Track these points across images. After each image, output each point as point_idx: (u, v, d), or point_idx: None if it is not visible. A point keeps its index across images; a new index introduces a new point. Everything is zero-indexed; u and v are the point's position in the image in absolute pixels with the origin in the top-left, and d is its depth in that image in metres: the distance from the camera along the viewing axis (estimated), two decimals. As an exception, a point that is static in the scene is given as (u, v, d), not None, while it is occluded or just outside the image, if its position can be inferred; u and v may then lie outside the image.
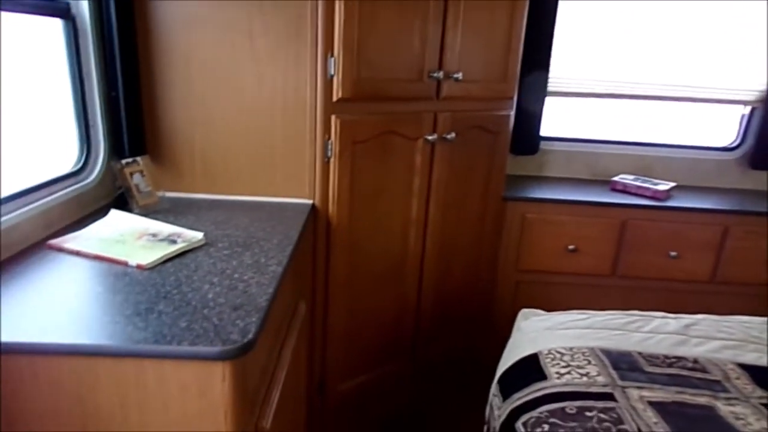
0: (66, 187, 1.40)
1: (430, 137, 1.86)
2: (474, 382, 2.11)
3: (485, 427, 1.41)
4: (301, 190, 1.69)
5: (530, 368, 1.31)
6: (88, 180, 1.48)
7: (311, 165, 1.66)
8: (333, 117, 1.62)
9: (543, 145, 2.63)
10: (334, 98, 1.61)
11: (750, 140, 2.61)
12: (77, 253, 1.19)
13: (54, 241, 1.22)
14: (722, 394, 1.20)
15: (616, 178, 2.51)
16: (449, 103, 1.90)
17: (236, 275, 1.13)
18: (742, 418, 1.13)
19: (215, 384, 0.89)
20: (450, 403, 2.36)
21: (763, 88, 2.51)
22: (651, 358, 1.32)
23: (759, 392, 1.23)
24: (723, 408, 1.15)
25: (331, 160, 1.66)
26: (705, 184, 2.66)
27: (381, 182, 1.81)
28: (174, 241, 1.25)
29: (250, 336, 0.90)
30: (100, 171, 1.51)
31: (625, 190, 2.47)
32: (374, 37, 1.62)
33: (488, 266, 2.33)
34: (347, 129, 1.65)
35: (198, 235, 1.29)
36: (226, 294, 1.04)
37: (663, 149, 2.68)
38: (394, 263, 1.95)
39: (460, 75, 1.85)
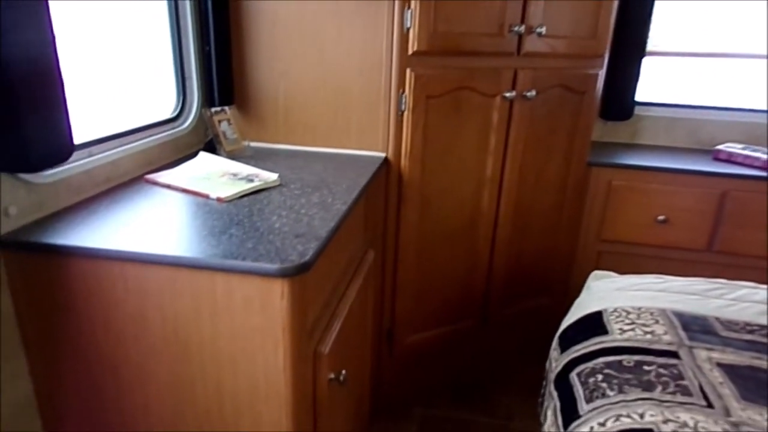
0: (164, 132, 1.55)
1: (508, 94, 1.82)
2: (542, 347, 2.08)
3: (543, 383, 1.39)
4: (375, 143, 1.73)
5: (592, 324, 1.27)
6: (183, 126, 1.63)
7: (385, 118, 1.70)
8: (408, 71, 1.64)
9: (638, 110, 2.47)
10: (410, 51, 1.62)
11: None
12: (168, 186, 1.32)
13: (149, 176, 1.37)
14: (808, 366, 1.10)
15: (720, 147, 2.30)
16: (531, 59, 1.84)
17: (303, 211, 1.20)
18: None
19: (275, 300, 0.97)
20: (516, 364, 2.34)
21: None
22: (729, 324, 1.23)
23: None
24: (806, 378, 1.05)
25: (405, 113, 1.68)
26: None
27: (455, 138, 1.81)
28: (251, 180, 1.36)
29: (307, 258, 0.96)
30: (193, 119, 1.66)
31: (729, 159, 2.26)
32: (452, -12, 1.61)
33: (568, 234, 2.26)
34: (422, 83, 1.66)
35: (273, 176, 1.39)
36: (291, 224, 1.12)
37: (780, 117, 2.41)
38: (466, 222, 1.95)
39: (543, 29, 1.78)
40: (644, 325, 1.21)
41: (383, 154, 1.73)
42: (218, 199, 1.24)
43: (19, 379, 1.09)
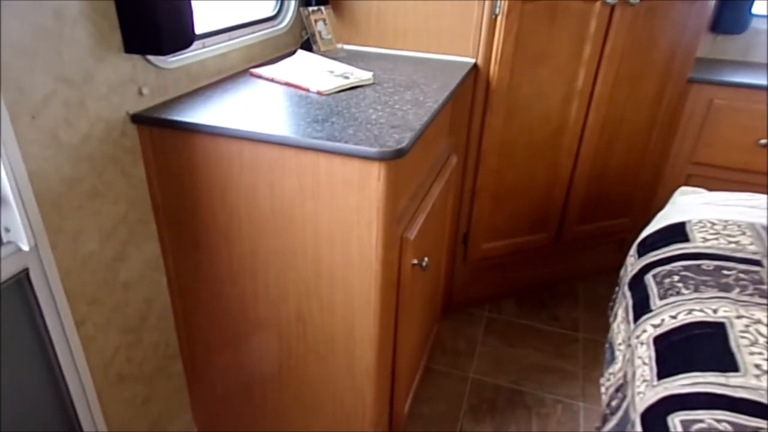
0: (264, 29, 1.63)
1: (610, 0, 1.73)
2: (616, 266, 2.10)
3: (615, 288, 1.44)
4: (465, 49, 1.73)
5: (674, 232, 1.27)
6: (282, 25, 1.70)
7: (477, 23, 1.68)
8: (505, -29, 1.59)
9: (754, 23, 2.26)
10: (509, -50, 1.57)
11: None
12: (271, 80, 1.42)
13: (254, 70, 1.47)
14: None
15: None
16: (639, -39, 1.72)
17: (397, 106, 1.26)
18: None
19: (372, 181, 1.06)
20: (586, 281, 2.38)
21: None
22: (824, 241, 1.20)
23: None
24: None
25: (498, 18, 1.65)
26: None
27: (548, 47, 1.77)
28: (347, 77, 1.42)
29: (404, 145, 1.04)
30: (291, 18, 1.72)
31: None
32: None
33: (658, 154, 2.18)
34: (519, -15, 1.62)
35: (368, 74, 1.45)
36: (387, 117, 1.18)
37: None
38: (550, 134, 1.94)
39: (657, -74, 1.65)
40: (729, 235, 1.21)
41: (473, 60, 1.73)
42: (318, 92, 1.32)
43: (150, 241, 1.27)
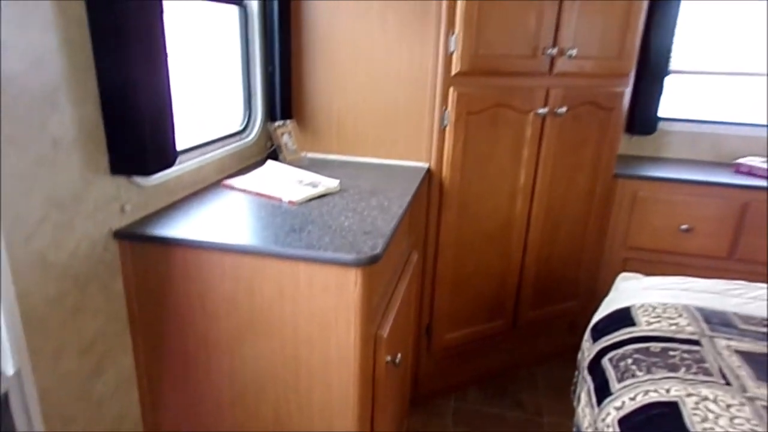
0: (233, 143, 1.75)
1: (541, 111, 1.98)
2: (570, 349, 2.21)
3: (575, 373, 1.53)
4: (419, 154, 1.91)
5: (622, 317, 1.41)
6: (249, 138, 1.83)
7: (429, 132, 1.87)
8: (451, 89, 1.81)
9: (661, 125, 2.61)
10: (453, 72, 1.79)
11: None
12: (243, 190, 1.51)
13: (227, 181, 1.56)
14: (820, 356, 1.22)
15: (741, 160, 2.43)
16: (562, 78, 2.00)
17: (365, 213, 1.38)
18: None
19: (349, 285, 1.14)
20: (544, 364, 2.47)
21: None
22: (747, 318, 1.36)
23: None
24: (818, 366, 1.18)
25: (447, 128, 1.85)
26: None
27: (491, 151, 1.97)
28: (315, 186, 1.54)
29: (378, 251, 1.14)
30: (257, 131, 1.85)
31: (750, 172, 2.38)
32: (492, 16, 1.78)
33: (595, 240, 2.39)
34: (463, 100, 1.83)
35: (335, 182, 1.57)
36: (358, 224, 1.29)
37: (801, 132, 2.52)
38: (500, 226, 2.11)
39: (574, 52, 1.94)
40: (669, 318, 1.35)
41: (427, 164, 1.90)
42: (290, 202, 1.42)
43: (125, 354, 1.27)
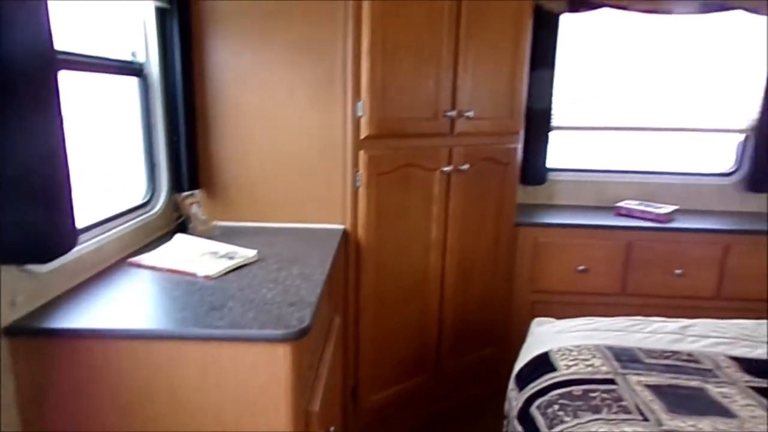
0: (136, 217, 1.64)
1: (446, 169, 2.09)
2: (493, 394, 2.26)
3: (504, 422, 1.56)
4: (334, 217, 1.91)
5: (542, 363, 1.47)
6: (154, 211, 1.73)
7: (342, 194, 1.90)
8: (361, 152, 1.86)
9: (551, 175, 2.84)
10: (362, 136, 1.85)
11: (746, 165, 2.80)
12: (153, 268, 1.41)
13: (133, 259, 1.45)
14: (712, 379, 1.36)
15: (620, 204, 2.70)
16: (462, 138, 2.13)
17: (287, 282, 1.34)
18: (728, 397, 1.28)
19: (278, 362, 1.09)
20: (470, 413, 2.49)
21: (756, 117, 2.71)
22: (650, 352, 1.48)
23: (747, 377, 1.38)
24: (712, 389, 1.30)
25: (360, 189, 1.89)
26: (706, 207, 2.83)
27: (404, 209, 2.03)
28: (232, 258, 1.48)
29: (307, 323, 1.11)
30: (163, 203, 1.76)
31: (629, 214, 2.65)
32: (395, 83, 1.88)
33: (504, 286, 2.51)
34: (373, 162, 1.89)
35: (252, 252, 1.52)
36: (282, 295, 1.25)
37: (665, 176, 2.87)
38: (416, 281, 2.15)
39: (471, 113, 2.09)
40: (584, 359, 1.43)
41: (342, 226, 1.91)
42: (206, 277, 1.35)
43: (17, 467, 1.10)
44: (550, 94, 2.67)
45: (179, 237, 1.63)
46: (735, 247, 2.45)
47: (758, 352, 1.49)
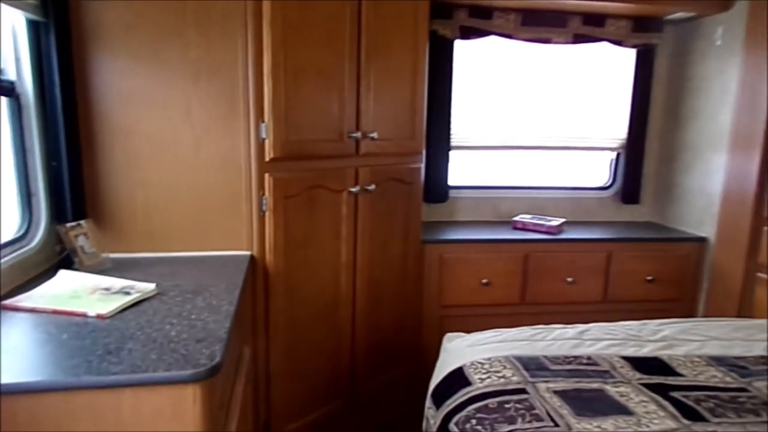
0: (9, 253, 1.45)
1: (353, 189, 2.09)
2: (411, 408, 2.27)
3: (424, 440, 1.57)
4: (239, 243, 1.83)
5: (457, 379, 1.50)
6: (31, 245, 1.54)
7: (248, 219, 1.82)
8: (266, 175, 1.81)
9: (452, 193, 2.95)
10: (267, 158, 1.80)
11: (619, 180, 3.10)
12: (33, 311, 1.25)
13: (8, 302, 1.28)
14: (610, 380, 1.47)
15: (516, 218, 2.86)
16: (367, 158, 2.15)
17: (193, 316, 1.25)
18: (625, 395, 1.38)
19: (187, 406, 1.00)
20: (392, 430, 2.48)
21: (624, 137, 3.02)
22: (554, 359, 1.57)
23: (638, 375, 1.51)
24: (611, 389, 1.41)
25: (266, 213, 1.83)
26: (588, 218, 3.09)
27: (312, 231, 2.00)
28: (128, 293, 1.35)
29: (217, 359, 1.03)
30: (42, 236, 1.58)
31: (524, 227, 2.82)
32: (299, 104, 1.86)
33: (414, 303, 2.54)
34: (279, 185, 1.84)
35: (150, 286, 1.40)
36: (188, 331, 1.16)
37: (553, 191, 3.10)
38: (328, 304, 2.11)
39: (375, 134, 2.11)
40: (496, 371, 1.48)
41: (249, 253, 1.83)
42: (99, 316, 1.22)
43: None
44: (449, 115, 2.78)
45: (63, 273, 1.46)
46: (616, 254, 2.69)
47: (645, 351, 1.63)
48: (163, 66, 1.69)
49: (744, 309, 2.46)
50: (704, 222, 2.74)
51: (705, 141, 2.75)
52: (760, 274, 2.38)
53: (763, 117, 2.34)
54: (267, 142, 1.79)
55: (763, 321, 1.95)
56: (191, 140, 1.75)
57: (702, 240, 2.73)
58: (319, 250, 2.04)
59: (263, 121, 1.77)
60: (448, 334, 1.82)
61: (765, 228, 2.36)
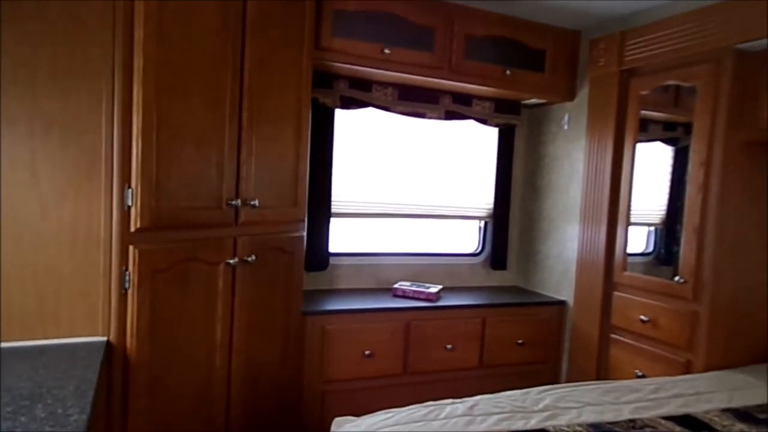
0: None
1: (231, 261, 1.92)
2: None
3: None
4: (94, 327, 1.56)
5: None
6: None
7: (105, 299, 1.57)
8: (131, 247, 1.59)
9: (332, 260, 2.88)
10: (132, 228, 1.59)
11: (488, 247, 3.28)
12: None
13: None
14: (505, 459, 1.45)
15: (396, 285, 2.86)
16: (247, 227, 2.01)
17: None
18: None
19: None
20: None
21: (491, 206, 3.23)
22: (450, 439, 1.53)
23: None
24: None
25: (129, 291, 1.59)
26: (463, 284, 3.21)
27: (184, 310, 1.78)
28: (-64, 407, 1.04)
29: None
30: None
31: (404, 295, 2.82)
32: (174, 169, 1.69)
33: (294, 381, 2.36)
34: (147, 258, 1.62)
35: (-30, 395, 1.10)
36: (24, 456, 0.91)
37: (429, 257, 3.17)
38: (200, 393, 1.87)
39: (256, 202, 1.99)
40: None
41: (104, 338, 1.56)
42: None
43: None
44: (330, 182, 2.75)
45: None
46: (489, 319, 2.79)
47: (532, 423, 1.66)
48: (4, 117, 1.43)
49: (601, 368, 2.68)
50: (563, 286, 2.98)
51: (559, 212, 3.03)
52: (613, 335, 2.61)
53: (607, 193, 2.65)
54: (133, 209, 1.58)
55: (626, 382, 2.11)
56: (37, 206, 1.48)
57: (562, 303, 2.96)
58: (192, 331, 1.82)
59: (129, 186, 1.57)
60: (337, 419, 1.69)
61: (614, 293, 2.62)
